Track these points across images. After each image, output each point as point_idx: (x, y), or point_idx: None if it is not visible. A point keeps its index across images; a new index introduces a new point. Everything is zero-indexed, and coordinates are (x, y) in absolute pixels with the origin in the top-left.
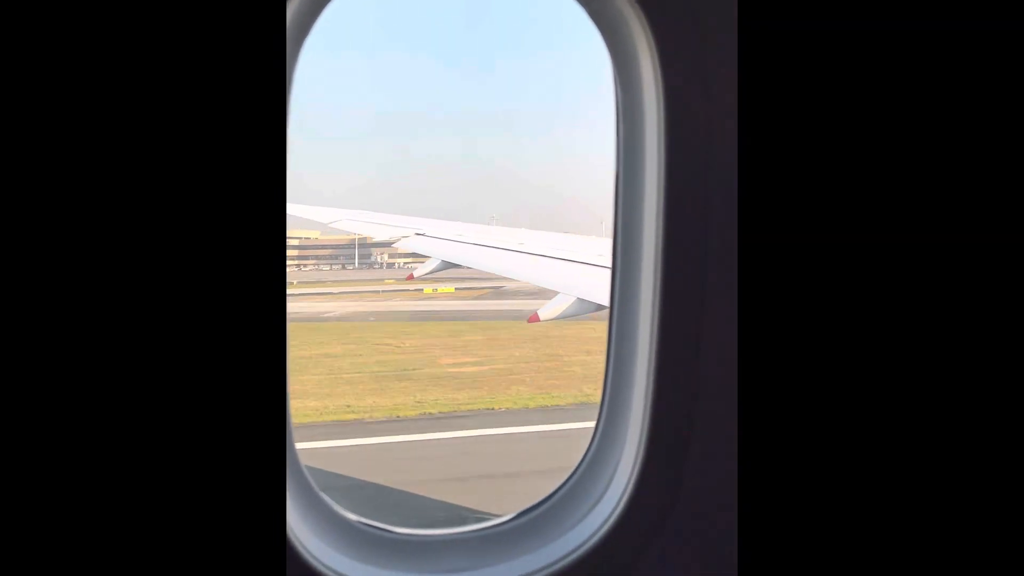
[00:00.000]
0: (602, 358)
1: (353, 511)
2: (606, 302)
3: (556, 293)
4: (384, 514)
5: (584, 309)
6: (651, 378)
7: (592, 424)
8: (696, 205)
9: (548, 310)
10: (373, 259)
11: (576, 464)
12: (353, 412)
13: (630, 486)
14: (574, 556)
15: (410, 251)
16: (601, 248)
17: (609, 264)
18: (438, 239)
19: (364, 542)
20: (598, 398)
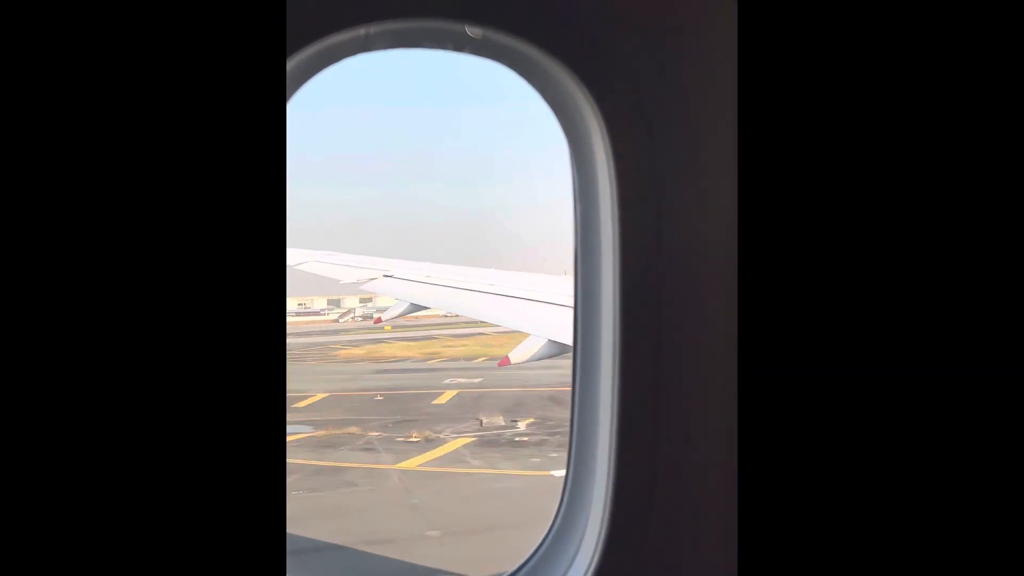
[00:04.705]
0: None
1: None
2: None
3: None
4: None
5: (557, 351)
6: (612, 456)
7: None
8: (651, 286)
9: (519, 352)
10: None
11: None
12: None
13: (596, 554)
14: None
15: (378, 294)
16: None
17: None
18: (406, 281)
19: None
20: None
